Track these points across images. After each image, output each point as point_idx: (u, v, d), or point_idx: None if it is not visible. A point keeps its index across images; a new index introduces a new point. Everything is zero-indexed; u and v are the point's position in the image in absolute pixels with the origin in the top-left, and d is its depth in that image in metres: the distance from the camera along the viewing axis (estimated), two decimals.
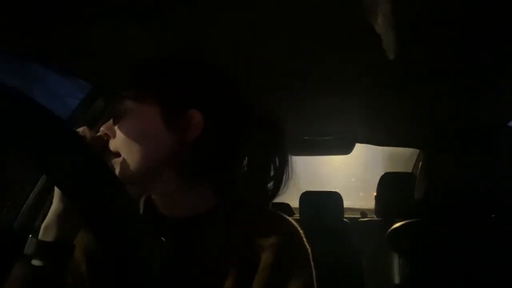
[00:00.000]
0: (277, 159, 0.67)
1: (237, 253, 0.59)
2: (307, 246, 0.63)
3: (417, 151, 2.08)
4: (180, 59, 0.67)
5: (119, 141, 0.61)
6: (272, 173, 0.67)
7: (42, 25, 0.66)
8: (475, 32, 0.70)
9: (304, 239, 0.63)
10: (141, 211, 0.65)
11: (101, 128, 0.63)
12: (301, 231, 0.64)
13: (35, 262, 0.50)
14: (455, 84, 0.99)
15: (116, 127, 0.62)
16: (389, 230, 1.03)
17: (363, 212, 2.43)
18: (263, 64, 0.87)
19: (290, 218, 0.65)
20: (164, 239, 0.61)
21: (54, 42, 0.72)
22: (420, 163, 0.98)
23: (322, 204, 2.02)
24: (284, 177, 0.67)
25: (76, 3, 0.61)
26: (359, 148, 1.99)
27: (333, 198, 2.11)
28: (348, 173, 4.12)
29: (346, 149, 2.04)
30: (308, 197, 2.06)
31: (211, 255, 0.59)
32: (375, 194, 1.93)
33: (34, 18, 0.64)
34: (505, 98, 1.09)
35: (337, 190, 2.20)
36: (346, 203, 2.23)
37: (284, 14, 0.64)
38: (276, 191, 0.67)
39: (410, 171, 2.19)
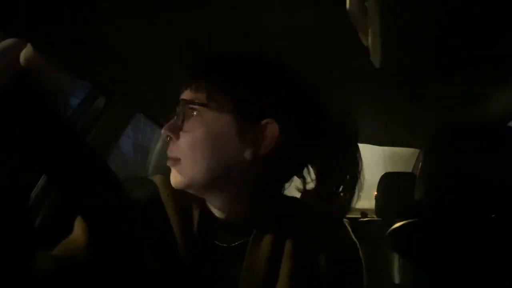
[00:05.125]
0: (350, 168, 0.62)
1: (290, 257, 0.56)
2: (363, 262, 0.60)
3: (417, 151, 2.08)
4: (250, 57, 0.60)
5: (182, 146, 0.55)
6: (344, 183, 0.62)
7: (41, 25, 0.66)
8: (475, 32, 0.70)
9: (360, 253, 0.60)
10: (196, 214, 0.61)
11: (163, 130, 0.57)
12: (357, 242, 0.61)
13: None
14: (455, 84, 0.99)
15: (181, 128, 0.56)
16: (389, 230, 1.03)
17: (363, 212, 2.42)
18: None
19: (347, 225, 0.62)
20: (216, 242, 0.58)
21: (54, 42, 0.72)
22: (420, 163, 0.98)
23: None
24: (356, 188, 0.62)
25: (75, 2, 0.61)
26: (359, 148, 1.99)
27: None
28: None
29: None
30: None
31: (264, 257, 0.56)
32: (375, 194, 1.92)
33: (33, 17, 0.64)
34: (506, 98, 1.08)
35: None
36: None
37: (284, 13, 0.64)
38: (349, 202, 0.62)
39: (410, 171, 2.19)
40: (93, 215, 0.30)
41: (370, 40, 0.54)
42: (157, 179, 0.64)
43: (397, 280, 0.98)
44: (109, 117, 1.13)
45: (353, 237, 0.61)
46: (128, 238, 0.31)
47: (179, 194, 0.61)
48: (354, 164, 0.64)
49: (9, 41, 0.32)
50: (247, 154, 0.55)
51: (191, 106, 0.56)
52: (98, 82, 1.01)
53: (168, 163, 0.57)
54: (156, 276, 0.32)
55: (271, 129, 0.56)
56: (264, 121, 0.56)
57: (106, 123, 1.12)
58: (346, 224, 0.63)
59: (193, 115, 0.56)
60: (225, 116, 0.55)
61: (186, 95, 0.58)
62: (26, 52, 0.32)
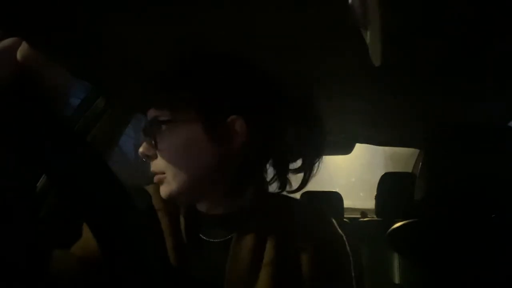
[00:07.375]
0: (310, 151, 0.65)
1: (273, 251, 0.57)
2: (349, 251, 0.60)
3: (417, 151, 2.09)
4: (209, 56, 0.62)
5: (162, 161, 0.58)
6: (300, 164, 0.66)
7: (41, 25, 0.66)
8: (475, 31, 0.70)
9: (347, 243, 0.61)
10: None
11: (140, 150, 0.59)
12: (343, 235, 0.62)
13: None
14: (455, 84, 0.99)
15: (155, 147, 0.58)
16: (389, 230, 1.03)
17: (363, 212, 2.43)
18: (262, 65, 0.87)
19: (332, 219, 0.63)
20: (202, 237, 0.61)
21: (54, 42, 0.72)
22: (420, 163, 0.98)
23: (322, 204, 2.03)
24: (314, 169, 0.66)
25: (75, 2, 0.61)
26: (359, 148, 2.00)
27: (333, 198, 2.11)
28: (348, 173, 4.12)
29: (346, 149, 2.05)
30: (308, 197, 2.06)
31: (247, 252, 0.57)
32: (375, 194, 1.93)
33: (33, 17, 0.64)
34: (506, 98, 1.09)
35: (337, 190, 2.21)
36: (346, 203, 2.24)
37: (284, 13, 0.64)
38: (304, 183, 0.66)
39: (410, 171, 2.19)
40: (94, 216, 0.30)
41: (369, 38, 0.53)
42: (150, 188, 0.67)
43: (397, 280, 0.98)
44: (109, 117, 1.13)
45: (339, 230, 0.62)
46: (129, 238, 0.31)
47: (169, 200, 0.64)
48: (315, 149, 0.66)
49: (6, 41, 0.32)
50: (221, 153, 0.58)
51: (158, 123, 0.58)
52: (98, 82, 1.01)
53: (155, 179, 0.60)
54: (156, 274, 0.33)
55: (239, 124, 0.58)
56: (230, 119, 0.58)
57: (106, 123, 1.12)
58: (332, 219, 0.64)
59: (162, 131, 0.58)
60: (193, 124, 0.58)
61: (150, 113, 0.60)
62: (22, 50, 0.32)
